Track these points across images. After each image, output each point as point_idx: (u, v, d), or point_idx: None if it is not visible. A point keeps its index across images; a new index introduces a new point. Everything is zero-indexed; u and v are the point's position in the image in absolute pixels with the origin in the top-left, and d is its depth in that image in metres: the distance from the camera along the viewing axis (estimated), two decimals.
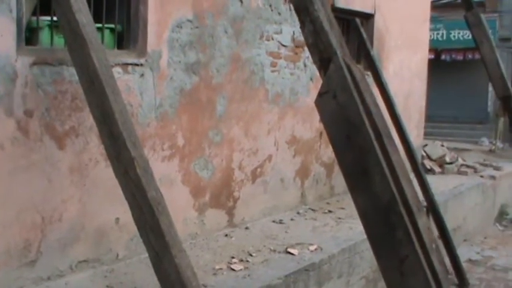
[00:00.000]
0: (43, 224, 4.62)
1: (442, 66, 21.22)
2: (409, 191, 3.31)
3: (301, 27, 3.37)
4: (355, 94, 3.18)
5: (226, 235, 6.16)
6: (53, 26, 4.75)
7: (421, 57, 10.58)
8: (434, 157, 11.21)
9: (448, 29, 22.14)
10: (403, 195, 3.24)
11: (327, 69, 3.23)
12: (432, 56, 17.53)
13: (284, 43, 6.86)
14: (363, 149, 3.22)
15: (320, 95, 3.25)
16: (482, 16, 7.85)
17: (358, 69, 3.33)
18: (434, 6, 14.78)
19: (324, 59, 3.25)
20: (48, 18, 4.74)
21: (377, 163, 3.19)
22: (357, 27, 7.92)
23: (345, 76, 3.18)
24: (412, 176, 6.58)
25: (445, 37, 22.54)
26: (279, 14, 6.72)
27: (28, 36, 4.64)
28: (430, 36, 11.65)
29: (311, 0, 3.28)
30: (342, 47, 3.28)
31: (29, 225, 4.54)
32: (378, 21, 8.88)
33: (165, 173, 5.43)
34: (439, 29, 22.15)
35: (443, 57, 22.58)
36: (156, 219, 3.88)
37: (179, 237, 3.85)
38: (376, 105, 3.35)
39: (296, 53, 7.09)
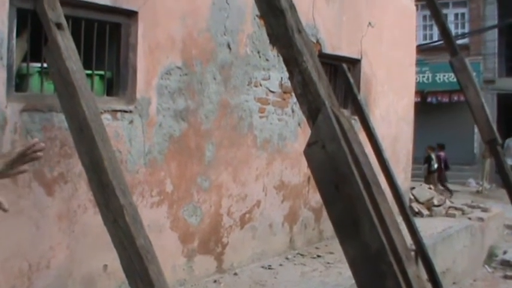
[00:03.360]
0: (30, 271, 4.59)
1: (428, 108, 21.46)
2: (399, 240, 3.32)
3: (289, 78, 3.40)
4: (344, 144, 3.20)
5: (215, 281, 6.12)
6: (42, 72, 4.78)
7: (408, 101, 10.69)
8: (422, 200, 11.22)
9: (434, 72, 22.46)
10: (392, 244, 3.24)
11: (315, 120, 3.25)
12: (418, 99, 17.71)
13: (272, 89, 6.93)
14: (352, 199, 3.22)
15: (309, 145, 3.27)
16: (467, 61, 7.95)
17: (346, 119, 3.35)
18: (420, 50, 15.00)
19: (312, 110, 3.28)
20: (38, 64, 4.78)
21: (366, 213, 3.19)
22: (344, 72, 7.99)
23: (333, 126, 3.20)
24: (400, 219, 6.61)
25: (430, 80, 22.85)
26: (267, 60, 6.80)
27: (18, 82, 4.68)
28: (416, 79, 11.79)
29: (299, 51, 3.32)
30: (330, 97, 3.31)
31: (15, 272, 4.51)
32: (365, 66, 8.99)
33: (153, 220, 5.42)
34: (424, 72, 22.45)
35: (429, 99, 22.84)
36: (145, 267, 3.87)
37: (168, 285, 3.84)
38: (365, 155, 3.37)
39: (284, 99, 7.15)
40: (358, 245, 3.28)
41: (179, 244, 5.81)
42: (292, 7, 3.48)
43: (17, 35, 4.59)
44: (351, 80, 7.90)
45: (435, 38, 22.02)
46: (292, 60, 3.36)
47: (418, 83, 14.98)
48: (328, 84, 3.44)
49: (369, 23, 9.02)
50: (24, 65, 4.75)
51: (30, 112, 4.53)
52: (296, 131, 7.39)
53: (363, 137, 6.81)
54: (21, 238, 4.52)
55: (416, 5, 11.19)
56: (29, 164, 4.37)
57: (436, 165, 16.71)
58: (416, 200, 11.20)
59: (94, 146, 4.05)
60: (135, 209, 4.07)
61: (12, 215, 4.39)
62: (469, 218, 10.99)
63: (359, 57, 8.83)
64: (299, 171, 7.46)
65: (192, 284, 5.93)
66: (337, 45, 8.18)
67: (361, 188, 3.22)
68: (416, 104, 11.63)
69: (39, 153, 2.25)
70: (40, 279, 4.65)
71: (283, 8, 3.39)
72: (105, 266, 5.04)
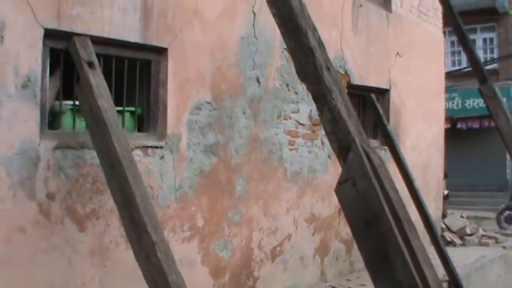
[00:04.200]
0: None
1: (458, 134, 21.26)
2: (431, 276, 3.29)
3: (319, 115, 3.42)
4: (375, 181, 3.20)
5: None
6: (75, 109, 4.85)
7: (438, 128, 10.62)
8: (454, 229, 11.10)
9: (463, 98, 22.26)
10: (425, 281, 3.22)
11: (346, 157, 3.26)
12: (448, 125, 17.57)
13: (301, 122, 6.94)
14: (384, 236, 3.21)
15: (340, 183, 3.27)
16: (497, 87, 7.91)
17: (377, 155, 3.35)
18: (449, 76, 14.92)
19: (342, 147, 3.28)
20: (71, 102, 4.85)
21: (398, 250, 3.18)
22: (373, 103, 8.00)
23: (364, 164, 3.20)
24: (432, 249, 6.54)
25: (460, 106, 22.64)
26: (296, 93, 6.82)
27: (51, 120, 4.75)
28: (445, 105, 11.71)
29: (328, 89, 3.34)
30: (360, 134, 3.31)
31: None
32: (394, 96, 8.97)
33: (185, 254, 5.42)
34: (454, 98, 22.26)
35: (459, 125, 22.62)
36: None
37: None
38: (396, 191, 3.36)
39: (313, 131, 7.15)
40: (390, 282, 3.26)
41: (210, 278, 5.81)
42: (321, 45, 3.50)
43: (50, 74, 4.68)
44: (380, 111, 7.90)
45: (464, 63, 21.89)
46: (321, 98, 3.37)
47: (447, 110, 14.87)
48: (357, 121, 3.44)
49: (397, 53, 9.03)
50: (57, 103, 4.82)
51: (62, 149, 4.59)
52: (326, 163, 7.38)
53: (393, 166, 6.79)
54: (54, 274, 4.55)
55: (444, 31, 11.15)
56: (61, 200, 4.48)
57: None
58: (449, 229, 11.08)
59: (126, 183, 4.09)
60: (166, 245, 4.08)
61: (45, 251, 4.46)
62: (503, 247, 10.84)
63: (388, 87, 8.82)
64: (329, 203, 7.43)
65: None
66: (365, 76, 8.19)
67: (392, 225, 3.21)
68: (446, 131, 11.54)
69: None
70: None
71: (312, 46, 3.41)
72: None
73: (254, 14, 6.21)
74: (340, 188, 3.29)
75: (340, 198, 3.31)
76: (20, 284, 4.36)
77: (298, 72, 3.47)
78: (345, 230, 7.61)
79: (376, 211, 3.22)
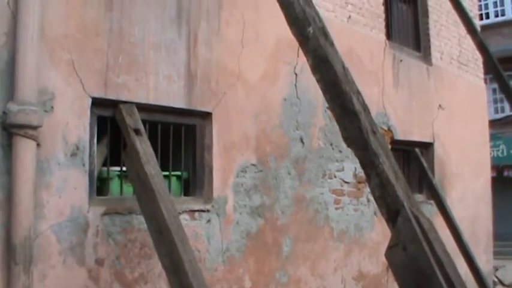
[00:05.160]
0: None
1: (505, 183, 20.88)
2: None
3: (367, 180, 3.40)
4: (425, 245, 3.16)
5: None
6: (122, 175, 4.92)
7: (484, 179, 10.47)
8: (506, 282, 10.85)
9: (509, 145, 21.93)
10: None
11: (395, 222, 3.23)
12: (494, 174, 17.29)
13: (346, 180, 6.92)
14: None
15: (389, 247, 3.23)
16: None
17: (426, 219, 3.32)
18: (493, 124, 14.75)
19: (391, 211, 3.26)
20: (118, 168, 4.92)
21: None
22: (417, 157, 7.97)
23: (413, 228, 3.17)
24: None
25: (505, 153, 22.28)
26: (340, 151, 6.81)
27: (99, 186, 4.82)
28: (490, 153, 11.54)
29: (375, 153, 3.33)
30: (409, 198, 3.29)
31: None
32: (438, 149, 8.90)
33: None
34: (498, 146, 21.94)
35: (505, 173, 22.23)
36: None
37: None
38: (447, 254, 3.32)
39: (359, 189, 7.12)
40: None
41: None
42: (366, 109, 3.51)
43: (98, 141, 4.77)
44: (425, 165, 7.87)
45: (507, 110, 21.64)
46: (368, 163, 3.36)
47: (493, 158, 14.67)
48: (406, 184, 3.42)
49: (439, 106, 8.99)
50: (105, 169, 4.90)
51: (111, 215, 4.65)
52: (372, 220, 7.31)
53: (440, 221, 6.71)
54: None
55: (485, 79, 11.06)
56: (110, 265, 4.51)
57: None
58: (501, 283, 10.84)
59: (174, 249, 4.11)
60: None
61: None
62: None
63: (431, 140, 8.76)
64: (377, 261, 7.33)
65: None
66: (408, 131, 8.16)
67: None
68: (493, 179, 11.34)
69: None
70: None
71: (357, 111, 3.42)
72: None
73: (296, 74, 6.28)
74: (390, 253, 3.25)
75: (391, 262, 3.27)
76: None
77: (345, 138, 3.48)
78: None
79: (428, 275, 3.17)
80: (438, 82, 9.04)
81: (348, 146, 3.50)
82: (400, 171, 3.47)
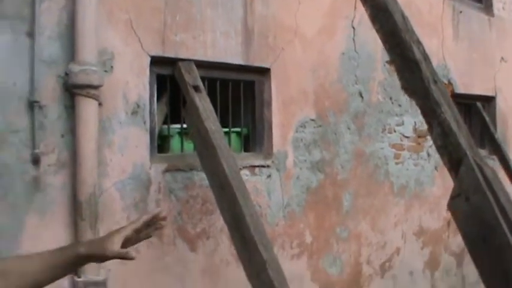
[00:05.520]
0: None
1: None
2: None
3: (428, 130, 3.36)
4: (489, 195, 3.12)
5: None
6: (182, 133, 4.98)
7: None
8: None
9: None
10: None
11: (457, 171, 3.19)
12: None
13: (406, 134, 6.83)
14: (501, 250, 3.12)
15: (452, 198, 3.21)
16: None
17: (489, 168, 3.27)
18: None
19: (453, 161, 3.22)
20: (178, 126, 4.97)
21: None
22: (479, 111, 7.81)
23: (476, 177, 3.13)
24: None
25: None
26: (400, 106, 6.72)
27: (160, 144, 4.89)
28: None
29: (437, 102, 3.29)
30: (471, 147, 3.24)
31: None
32: (500, 103, 8.67)
33: (294, 272, 5.43)
34: None
35: None
36: None
37: None
38: (511, 203, 3.27)
39: (419, 143, 7.02)
40: None
41: None
42: (427, 58, 3.46)
43: (158, 99, 4.82)
44: (487, 119, 7.69)
45: None
46: (430, 112, 3.33)
47: None
48: (468, 134, 3.37)
49: (502, 58, 8.74)
50: (165, 127, 4.96)
51: (172, 172, 4.72)
52: (433, 175, 7.22)
53: (502, 176, 6.58)
54: None
55: None
56: (173, 221, 4.59)
57: None
58: None
59: (235, 203, 4.15)
60: (277, 263, 4.11)
61: (158, 271, 4.58)
62: None
63: (493, 94, 8.55)
64: (438, 216, 7.26)
65: None
66: (469, 84, 7.97)
67: (510, 239, 3.11)
68: None
69: (162, 223, 2.27)
70: None
71: (418, 60, 3.38)
72: None
73: (354, 28, 6.18)
74: (453, 203, 3.23)
75: (453, 213, 3.24)
76: None
77: (405, 88, 3.44)
78: (455, 243, 7.41)
79: (492, 225, 3.14)
80: (500, 34, 8.77)
81: (409, 96, 3.46)
82: (463, 121, 3.43)
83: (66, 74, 4.21)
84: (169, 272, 4.68)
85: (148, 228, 2.14)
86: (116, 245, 2.02)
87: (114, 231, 2.05)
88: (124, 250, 2.01)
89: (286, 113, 5.49)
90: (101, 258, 2.05)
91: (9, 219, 3.94)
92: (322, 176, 5.81)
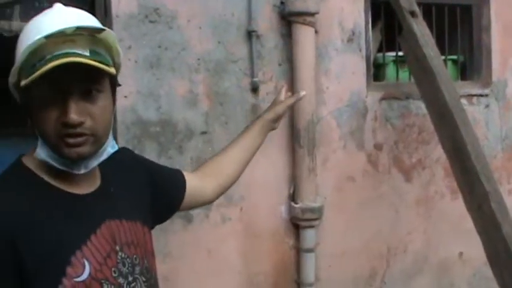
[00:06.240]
0: (388, 254, 4.74)
1: None
2: None
3: None
4: None
5: None
6: (397, 61, 4.86)
7: None
8: None
9: None
10: None
11: None
12: None
13: None
14: None
15: None
16: None
17: None
18: None
19: None
20: (393, 54, 4.87)
21: None
22: None
23: None
24: None
25: None
26: None
27: (374, 72, 4.83)
28: None
29: None
30: None
31: (375, 254, 4.69)
32: None
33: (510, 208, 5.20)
34: None
35: None
36: (511, 256, 3.74)
37: None
38: None
39: None
40: None
41: None
42: None
43: (372, 27, 4.74)
44: None
45: None
46: None
47: None
48: None
49: None
50: (379, 55, 4.88)
51: (388, 100, 4.66)
52: None
53: None
54: (382, 222, 4.68)
55: None
56: (388, 150, 4.54)
57: None
58: None
59: (456, 131, 4.01)
60: (500, 195, 3.95)
61: (373, 200, 4.60)
62: None
63: None
64: None
65: None
66: None
67: None
68: None
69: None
70: (397, 263, 4.78)
71: None
72: (461, 253, 4.99)
73: None
74: None
75: None
76: (350, 230, 4.58)
77: None
78: None
79: None
80: None
81: None
82: None
83: (282, 2, 4.26)
84: (383, 201, 4.68)
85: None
86: (282, 96, 2.43)
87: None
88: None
89: (506, 38, 5.15)
90: (281, 108, 2.39)
91: None
92: None
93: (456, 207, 4.62)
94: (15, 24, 4.67)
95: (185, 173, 2.18)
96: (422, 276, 4.89)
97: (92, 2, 4.06)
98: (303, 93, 2.47)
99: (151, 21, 3.99)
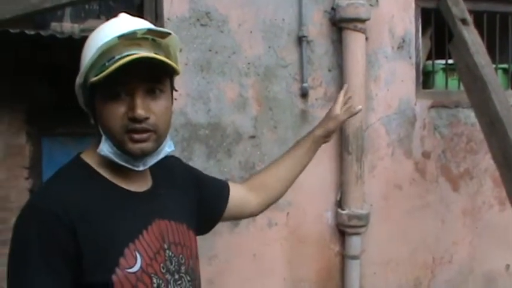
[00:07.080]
0: (433, 263, 4.69)
1: None
2: None
3: None
4: None
5: None
6: (446, 68, 4.82)
7: None
8: None
9: None
10: None
11: None
12: None
13: None
14: None
15: None
16: None
17: None
18: None
19: None
20: (442, 61, 4.82)
21: None
22: None
23: None
24: None
25: None
26: None
27: (423, 79, 4.78)
28: None
29: None
30: None
31: (420, 263, 4.64)
32: None
33: None
34: None
35: None
36: None
37: None
38: None
39: None
40: None
41: None
42: None
43: (422, 34, 4.71)
44: None
45: None
46: None
47: None
48: None
49: None
50: (429, 62, 4.84)
51: (437, 108, 4.62)
52: None
53: None
54: (427, 231, 4.63)
55: None
56: (436, 159, 4.50)
57: None
58: None
59: (506, 140, 3.96)
60: None
61: (420, 208, 4.57)
62: None
63: None
64: None
65: None
66: None
67: None
68: None
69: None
70: (442, 273, 4.71)
71: None
72: (507, 265, 4.91)
73: None
74: None
75: None
76: (396, 238, 4.54)
77: None
78: None
79: None
80: None
81: None
82: None
83: (333, 8, 4.26)
84: (430, 210, 4.63)
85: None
86: (338, 109, 2.32)
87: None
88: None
89: None
90: (333, 124, 2.33)
91: (280, 151, 4.12)
92: None
93: (504, 219, 4.57)
94: (65, 25, 4.77)
95: (232, 185, 2.20)
96: (467, 287, 4.82)
97: (141, 6, 4.12)
98: (358, 107, 2.42)
99: (202, 25, 4.03)
